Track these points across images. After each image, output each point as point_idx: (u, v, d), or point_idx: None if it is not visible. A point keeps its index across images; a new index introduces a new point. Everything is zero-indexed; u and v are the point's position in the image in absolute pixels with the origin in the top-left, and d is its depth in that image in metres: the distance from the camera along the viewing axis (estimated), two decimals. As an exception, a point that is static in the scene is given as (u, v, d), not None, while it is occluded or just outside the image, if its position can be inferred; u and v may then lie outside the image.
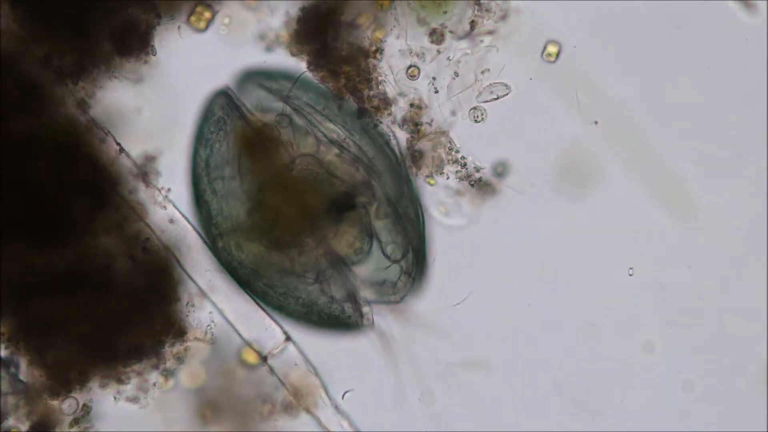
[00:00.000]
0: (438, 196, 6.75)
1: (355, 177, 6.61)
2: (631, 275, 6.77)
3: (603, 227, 6.81)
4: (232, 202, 6.63)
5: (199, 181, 6.66)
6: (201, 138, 6.63)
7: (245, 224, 6.61)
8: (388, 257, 6.66)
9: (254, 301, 6.72)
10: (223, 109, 6.59)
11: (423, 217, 6.72)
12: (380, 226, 6.67)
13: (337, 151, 6.62)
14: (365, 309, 6.70)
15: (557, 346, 6.81)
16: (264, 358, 6.75)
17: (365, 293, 6.70)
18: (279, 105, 6.62)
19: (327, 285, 6.66)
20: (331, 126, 6.63)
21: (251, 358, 6.74)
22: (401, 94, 6.68)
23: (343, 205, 6.60)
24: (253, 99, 6.63)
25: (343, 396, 6.77)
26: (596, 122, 6.75)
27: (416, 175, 6.70)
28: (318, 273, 6.65)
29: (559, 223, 6.81)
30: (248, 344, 6.74)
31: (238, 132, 6.61)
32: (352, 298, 6.68)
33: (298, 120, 6.62)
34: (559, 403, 6.82)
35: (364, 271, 6.71)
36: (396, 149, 6.70)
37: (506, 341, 6.80)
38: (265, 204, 6.61)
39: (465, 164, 6.72)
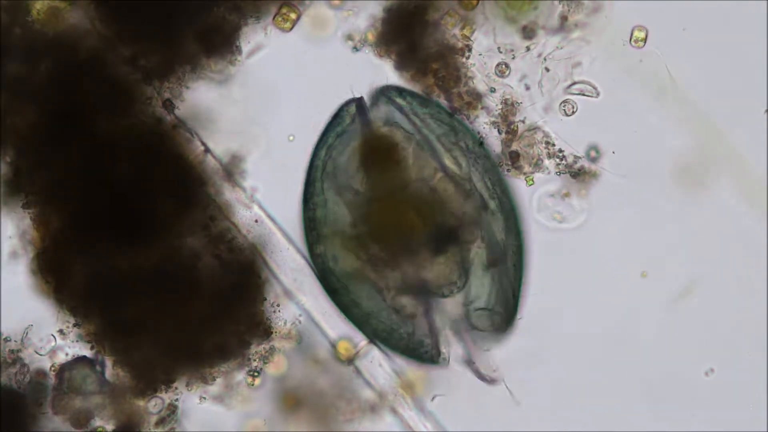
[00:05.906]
0: (549, 210, 6.68)
1: (466, 211, 6.54)
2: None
3: (697, 233, 6.73)
4: (339, 209, 6.60)
5: (312, 182, 6.63)
6: (324, 142, 6.61)
7: (348, 233, 6.57)
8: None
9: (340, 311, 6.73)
10: (351, 119, 6.58)
11: (523, 269, 6.66)
12: (475, 268, 6.61)
13: (452, 182, 6.56)
14: (443, 348, 6.65)
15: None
16: (350, 360, 6.72)
17: (451, 330, 6.66)
18: (406, 123, 6.59)
19: (410, 316, 6.61)
20: (454, 158, 6.57)
21: (345, 351, 6.72)
22: (493, 90, 6.59)
23: (447, 237, 6.53)
24: (383, 113, 6.60)
25: (432, 399, 6.73)
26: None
27: (516, 176, 6.65)
28: (405, 298, 6.61)
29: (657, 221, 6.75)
30: (333, 345, 6.74)
31: (361, 142, 6.59)
32: (432, 331, 6.63)
33: (423, 143, 6.58)
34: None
35: (454, 308, 6.66)
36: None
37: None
38: (372, 217, 6.56)
39: (563, 156, 6.62)
